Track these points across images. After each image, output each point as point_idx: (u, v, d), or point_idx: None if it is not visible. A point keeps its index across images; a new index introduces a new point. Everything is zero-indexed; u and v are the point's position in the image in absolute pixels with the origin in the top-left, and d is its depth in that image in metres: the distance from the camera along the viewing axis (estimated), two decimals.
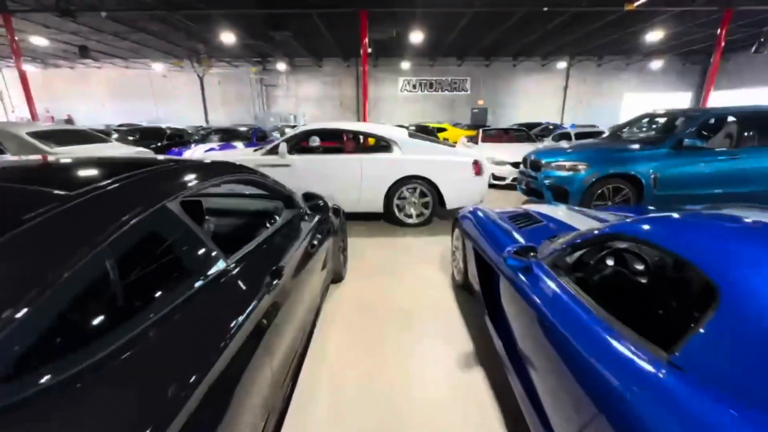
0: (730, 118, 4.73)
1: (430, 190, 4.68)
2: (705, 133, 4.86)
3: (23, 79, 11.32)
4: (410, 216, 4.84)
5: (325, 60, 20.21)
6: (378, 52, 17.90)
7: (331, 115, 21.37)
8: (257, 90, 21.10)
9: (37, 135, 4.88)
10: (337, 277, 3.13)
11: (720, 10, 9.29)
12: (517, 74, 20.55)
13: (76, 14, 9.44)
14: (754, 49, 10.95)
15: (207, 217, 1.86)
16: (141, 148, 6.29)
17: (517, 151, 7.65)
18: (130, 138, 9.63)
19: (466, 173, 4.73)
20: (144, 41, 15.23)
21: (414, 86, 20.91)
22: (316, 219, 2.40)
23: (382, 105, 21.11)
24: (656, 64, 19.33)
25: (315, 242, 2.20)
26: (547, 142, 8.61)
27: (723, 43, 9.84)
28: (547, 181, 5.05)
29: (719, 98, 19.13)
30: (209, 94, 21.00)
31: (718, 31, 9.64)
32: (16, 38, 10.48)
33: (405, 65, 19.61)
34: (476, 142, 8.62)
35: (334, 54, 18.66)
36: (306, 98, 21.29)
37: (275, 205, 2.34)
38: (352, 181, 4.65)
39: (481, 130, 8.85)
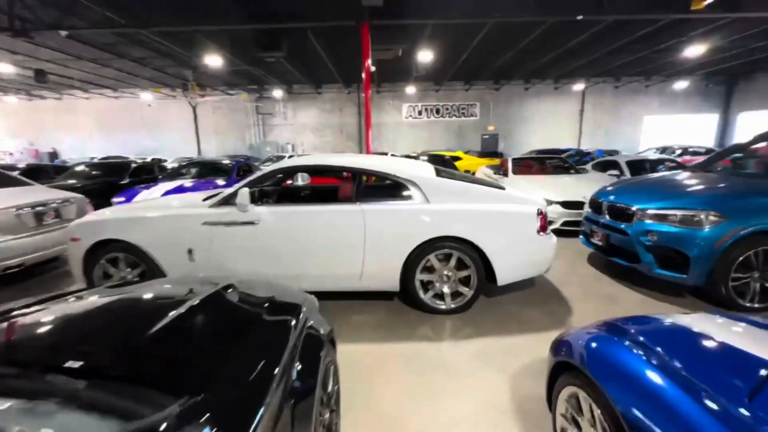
0: None
1: (472, 256, 2.96)
2: None
3: None
4: (441, 297, 3.09)
5: (325, 87, 19.17)
6: (381, 76, 16.79)
7: (332, 145, 20.11)
8: (253, 118, 19.97)
9: None
10: None
11: None
12: (528, 98, 19.35)
13: (32, 35, 8.17)
14: None
15: None
16: (71, 194, 4.68)
17: (562, 185, 6.02)
18: (95, 173, 8.13)
19: (528, 230, 3.04)
20: (130, 69, 14.15)
21: (419, 112, 19.72)
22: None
23: (386, 132, 19.86)
24: (679, 85, 18.07)
25: None
26: (594, 173, 6.96)
27: None
28: (647, 240, 3.32)
29: (750, 119, 17.77)
30: (203, 124, 19.88)
31: None
32: None
33: (410, 90, 18.48)
34: (503, 174, 7.00)
35: (334, 80, 17.59)
36: (304, 126, 20.11)
37: None
38: (349, 245, 2.96)
39: (510, 159, 7.23)
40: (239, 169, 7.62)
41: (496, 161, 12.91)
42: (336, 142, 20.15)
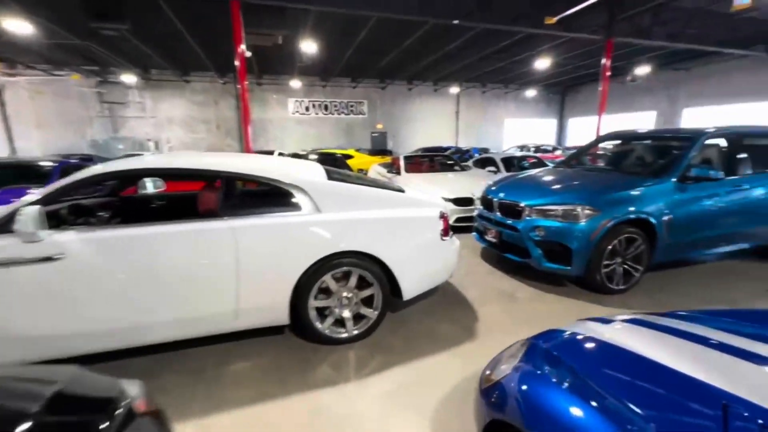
0: (726, 141, 3.89)
1: (375, 272, 2.54)
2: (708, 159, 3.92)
3: None
4: (342, 324, 2.59)
5: (195, 75, 16.61)
6: (261, 67, 15.32)
7: (208, 142, 17.63)
8: (96, 108, 16.04)
9: None
10: None
11: (602, 40, 9.77)
12: (412, 98, 20.32)
13: None
14: (629, 78, 12.11)
15: None
16: None
17: (451, 182, 6.17)
18: None
19: (432, 236, 2.77)
20: None
21: (306, 108, 18.79)
22: None
23: (272, 129, 18.36)
24: (529, 93, 21.37)
25: None
26: (475, 170, 7.42)
27: (609, 72, 10.41)
28: (535, 235, 3.42)
29: (576, 123, 22.05)
30: (18, 113, 15.04)
31: (603, 60, 10.15)
32: None
33: (295, 84, 17.41)
34: (396, 172, 6.89)
35: (205, 67, 15.33)
36: (170, 120, 17.10)
37: None
38: (216, 276, 2.20)
39: (402, 158, 7.17)
40: (64, 172, 5.70)
41: (388, 159, 13.10)
42: (212, 139, 17.72)
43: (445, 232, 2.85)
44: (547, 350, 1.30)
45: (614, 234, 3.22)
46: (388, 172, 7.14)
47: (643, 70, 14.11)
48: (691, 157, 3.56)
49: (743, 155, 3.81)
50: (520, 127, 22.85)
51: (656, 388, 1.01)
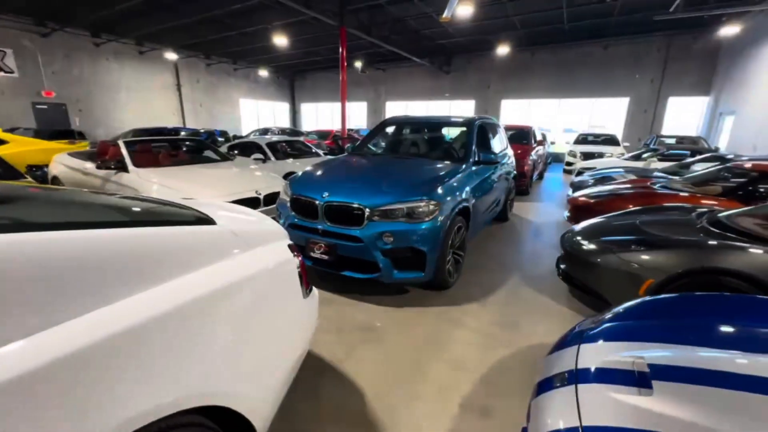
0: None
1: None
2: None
3: None
4: None
5: None
6: None
7: None
8: None
9: None
10: None
11: (336, 27, 10.09)
12: (103, 59, 14.56)
13: None
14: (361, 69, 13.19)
15: None
16: None
17: (219, 179, 4.48)
18: None
19: (290, 303, 1.49)
20: None
21: None
22: None
23: None
24: (262, 73, 20.28)
25: None
26: (241, 158, 5.81)
27: (345, 63, 10.90)
28: (384, 243, 2.69)
29: (306, 109, 23.37)
30: None
31: (340, 49, 10.52)
32: None
33: None
34: (117, 168, 4.31)
35: None
36: None
37: None
38: None
39: (122, 143, 4.53)
40: None
41: (82, 145, 8.80)
42: None
43: (305, 281, 1.60)
44: None
45: (451, 226, 2.98)
46: (99, 167, 4.34)
47: (359, 64, 16.27)
48: (476, 142, 3.87)
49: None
50: (255, 110, 21.63)
51: None
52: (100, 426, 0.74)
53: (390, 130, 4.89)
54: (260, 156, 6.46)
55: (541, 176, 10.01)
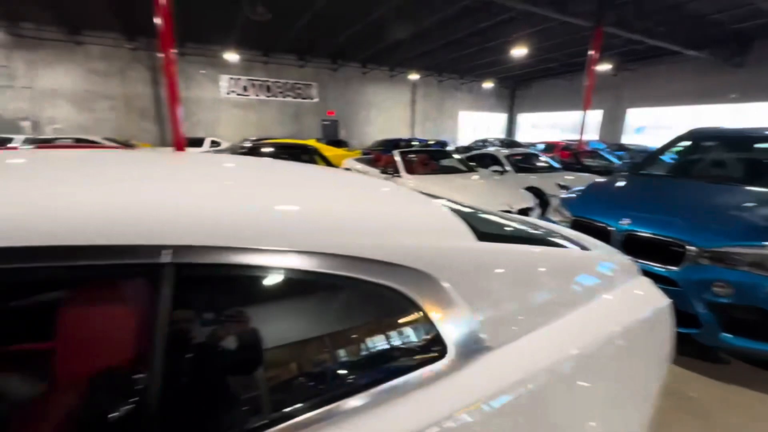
0: None
1: None
2: None
3: None
4: None
5: (91, 35, 12.78)
6: (184, 30, 12.24)
7: (113, 124, 13.87)
8: None
9: None
10: None
11: (589, 28, 9.09)
12: (366, 83, 18.49)
13: None
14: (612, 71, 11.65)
15: None
16: None
17: (474, 190, 4.74)
18: None
19: (657, 368, 1.25)
20: None
21: (245, 88, 15.91)
22: None
23: (199, 111, 15.15)
24: (485, 86, 20.88)
25: None
26: (483, 170, 6.06)
27: (595, 66, 9.78)
28: (713, 293, 2.11)
29: (526, 119, 22.28)
30: None
31: (589, 52, 9.47)
32: None
33: (230, 58, 14.41)
34: (392, 173, 5.23)
35: (104, 24, 11.81)
36: (55, 93, 13.04)
37: None
38: None
39: (397, 154, 5.51)
40: None
41: (357, 152, 11.13)
42: (119, 120, 14.02)
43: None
44: None
45: None
46: (382, 173, 5.43)
47: (604, 67, 14.13)
48: None
49: None
50: (473, 122, 22.44)
51: None
52: None
53: (695, 144, 3.85)
54: (498, 168, 6.54)
55: None
